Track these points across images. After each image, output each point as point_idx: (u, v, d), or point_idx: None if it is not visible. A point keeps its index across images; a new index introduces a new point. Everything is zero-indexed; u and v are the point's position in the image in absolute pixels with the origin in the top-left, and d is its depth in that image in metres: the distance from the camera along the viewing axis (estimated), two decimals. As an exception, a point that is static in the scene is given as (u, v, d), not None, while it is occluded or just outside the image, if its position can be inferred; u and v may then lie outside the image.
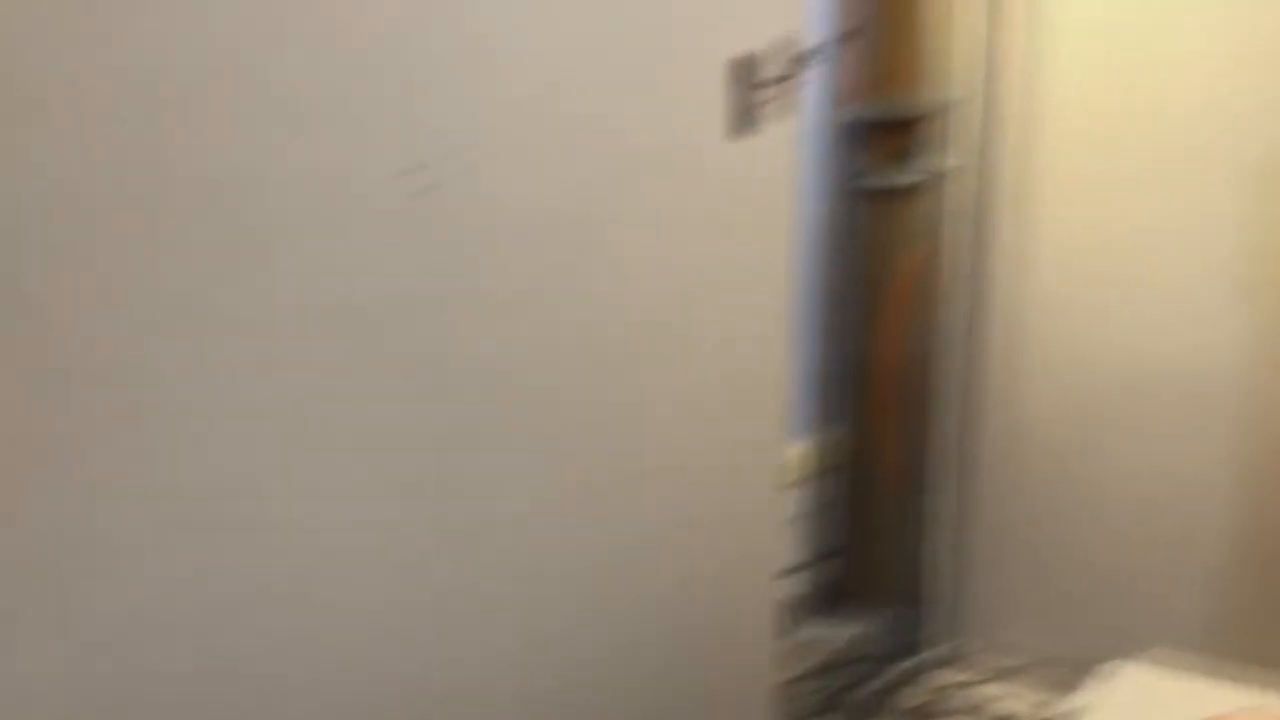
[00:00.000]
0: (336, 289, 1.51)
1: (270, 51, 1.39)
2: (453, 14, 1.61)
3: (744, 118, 2.07)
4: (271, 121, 1.40)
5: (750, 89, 2.07)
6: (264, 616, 1.47)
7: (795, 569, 2.90)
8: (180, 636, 1.38)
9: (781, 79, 2.09)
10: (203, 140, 1.33)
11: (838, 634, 2.92)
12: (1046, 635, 2.82)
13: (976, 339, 2.84)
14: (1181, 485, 2.68)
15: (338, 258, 1.50)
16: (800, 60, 2.11)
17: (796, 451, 2.96)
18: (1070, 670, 2.06)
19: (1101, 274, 2.71)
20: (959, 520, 2.89)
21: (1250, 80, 2.54)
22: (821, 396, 2.99)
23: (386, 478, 1.61)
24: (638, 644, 2.09)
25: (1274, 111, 2.51)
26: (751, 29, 2.08)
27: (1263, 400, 2.59)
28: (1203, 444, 2.66)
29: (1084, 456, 2.76)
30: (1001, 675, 2.85)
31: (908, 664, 2.91)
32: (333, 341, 1.51)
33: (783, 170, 2.27)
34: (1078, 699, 1.75)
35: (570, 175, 1.82)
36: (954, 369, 2.85)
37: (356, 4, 1.48)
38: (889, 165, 2.89)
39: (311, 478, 1.51)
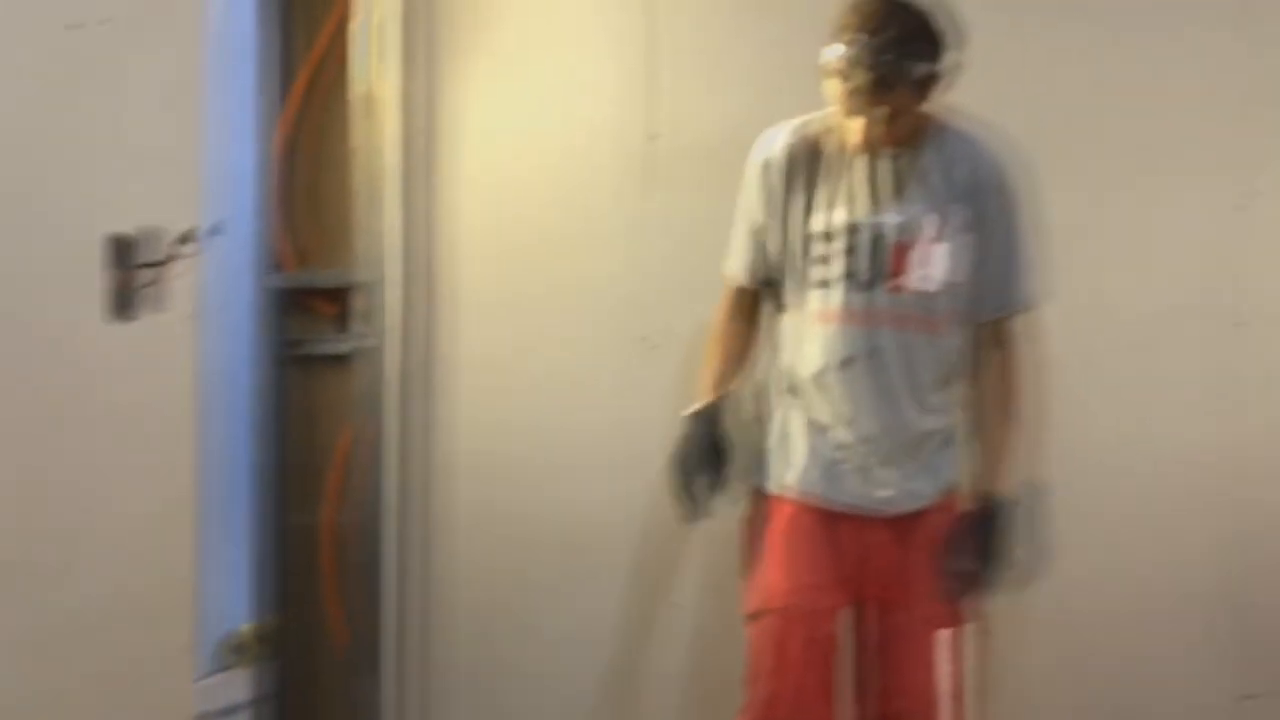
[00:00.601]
0: None
1: None
2: None
3: (124, 300, 1.96)
4: None
5: (131, 271, 1.96)
6: None
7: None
8: None
9: (165, 260, 2.00)
10: None
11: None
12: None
13: (410, 507, 2.83)
14: (618, 631, 2.77)
15: None
16: (187, 241, 2.03)
17: (240, 635, 2.81)
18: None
19: (525, 438, 2.79)
20: (402, 701, 2.82)
21: (644, 257, 2.75)
22: (264, 575, 2.86)
23: None
24: None
25: (670, 289, 2.73)
26: (134, 213, 1.98)
27: (654, 551, 2.75)
28: (631, 593, 2.76)
29: (522, 617, 2.80)
30: None
31: None
32: None
33: (181, 349, 2.15)
34: None
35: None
36: (391, 540, 2.82)
37: None
38: (324, 333, 2.87)
39: None
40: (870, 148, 2.09)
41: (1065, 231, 2.47)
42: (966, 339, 2.20)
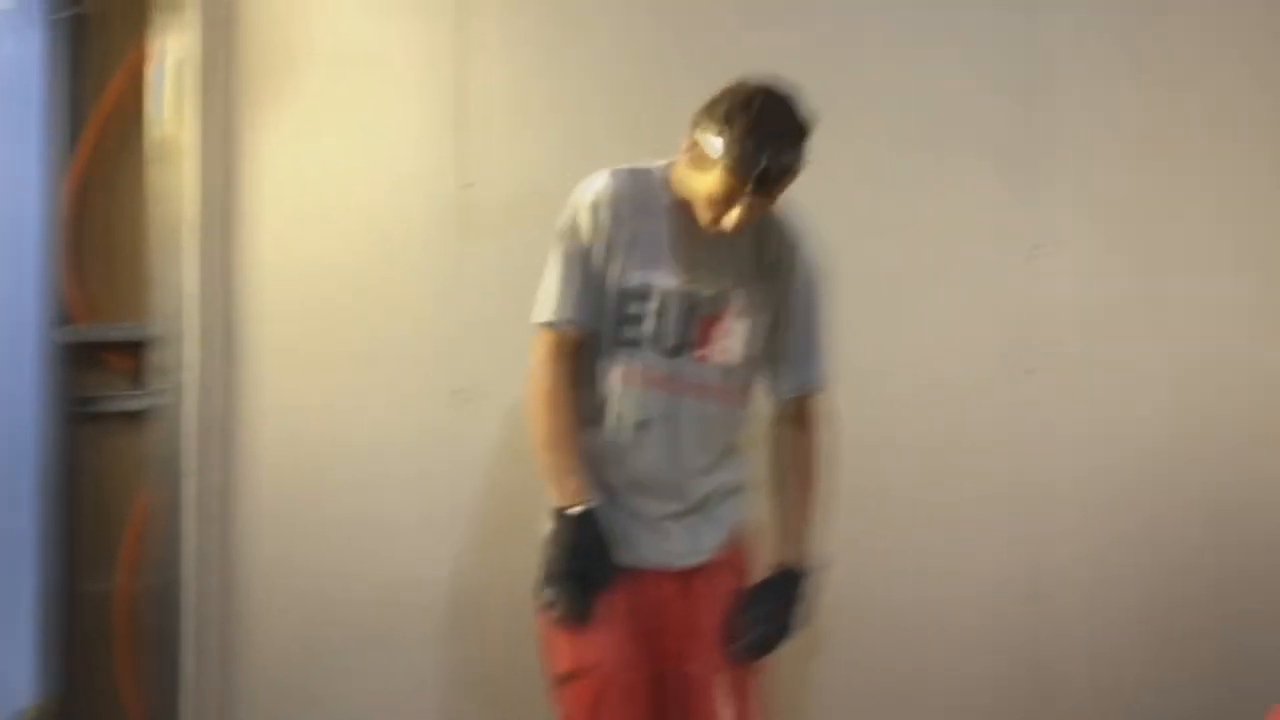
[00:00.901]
0: None
1: None
2: None
3: None
4: None
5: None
6: None
7: None
8: None
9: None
10: None
11: None
12: None
13: (209, 572, 2.69)
14: (429, 693, 2.69)
15: None
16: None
17: (25, 715, 2.64)
18: None
19: (331, 496, 2.69)
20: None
21: (457, 308, 2.70)
22: (52, 647, 2.69)
23: None
24: None
25: (484, 341, 2.68)
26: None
27: (464, 610, 2.70)
28: (442, 653, 2.69)
29: (329, 684, 2.68)
30: None
31: None
32: None
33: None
34: None
35: None
36: (189, 607, 2.68)
37: None
38: (118, 389, 2.73)
39: None
40: (739, 232, 2.01)
41: (865, 284, 2.55)
42: (767, 411, 2.19)
